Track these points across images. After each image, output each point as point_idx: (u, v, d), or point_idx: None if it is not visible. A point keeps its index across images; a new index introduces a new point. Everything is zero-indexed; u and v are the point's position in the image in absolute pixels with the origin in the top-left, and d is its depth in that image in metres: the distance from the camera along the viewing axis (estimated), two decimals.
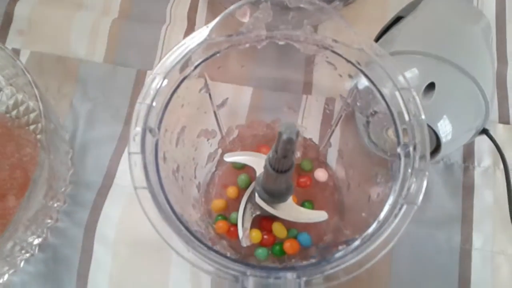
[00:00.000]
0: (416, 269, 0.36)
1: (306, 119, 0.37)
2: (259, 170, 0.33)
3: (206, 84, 0.28)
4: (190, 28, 0.44)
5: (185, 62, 0.25)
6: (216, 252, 0.21)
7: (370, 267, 0.35)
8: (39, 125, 0.39)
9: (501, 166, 0.36)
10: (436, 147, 0.32)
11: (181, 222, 0.22)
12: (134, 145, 0.23)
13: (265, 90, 0.39)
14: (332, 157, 0.37)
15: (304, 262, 0.22)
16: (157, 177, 0.23)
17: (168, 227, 0.21)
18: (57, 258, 0.37)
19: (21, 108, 0.40)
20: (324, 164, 0.37)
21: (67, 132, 0.40)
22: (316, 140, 0.37)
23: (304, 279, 0.21)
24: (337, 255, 0.22)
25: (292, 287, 0.20)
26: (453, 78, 0.32)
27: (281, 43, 0.26)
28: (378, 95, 0.24)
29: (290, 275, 0.21)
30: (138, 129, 0.23)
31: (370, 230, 0.22)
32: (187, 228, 0.22)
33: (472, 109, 0.33)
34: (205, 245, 0.22)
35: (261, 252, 0.34)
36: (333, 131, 0.34)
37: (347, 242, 0.23)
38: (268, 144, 0.36)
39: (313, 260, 0.22)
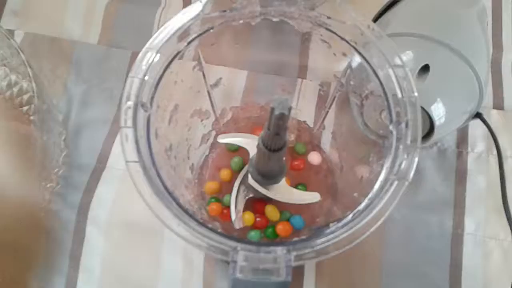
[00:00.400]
0: (408, 253, 0.36)
1: (301, 102, 0.37)
2: (253, 152, 0.32)
3: (199, 62, 0.28)
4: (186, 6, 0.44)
5: (178, 37, 0.25)
6: (206, 227, 0.21)
7: (362, 252, 0.35)
8: (33, 106, 0.38)
9: (495, 151, 0.36)
10: (430, 130, 0.32)
11: (172, 196, 0.22)
12: (126, 119, 0.23)
13: (260, 73, 0.39)
14: (326, 140, 0.37)
15: (295, 238, 0.22)
16: (148, 152, 0.23)
17: (159, 201, 0.21)
18: (49, 240, 0.37)
19: (15, 89, 0.39)
20: (318, 147, 0.37)
21: (60, 113, 0.40)
22: (310, 123, 0.37)
23: (294, 253, 0.20)
24: (328, 230, 0.22)
25: (282, 261, 0.20)
26: (447, 60, 0.32)
27: (275, 19, 0.26)
28: (371, 73, 0.24)
29: (280, 250, 0.21)
30: (130, 103, 0.23)
31: (361, 206, 0.22)
32: (177, 203, 0.22)
33: (466, 92, 0.33)
34: (196, 220, 0.22)
35: (253, 234, 0.34)
36: (327, 113, 0.34)
37: (339, 220, 0.23)
38: (262, 126, 0.35)
39: (303, 237, 0.22)
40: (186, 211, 0.22)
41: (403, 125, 0.23)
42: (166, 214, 0.21)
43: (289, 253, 0.21)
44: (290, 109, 0.21)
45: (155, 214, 0.21)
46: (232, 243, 0.21)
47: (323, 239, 0.21)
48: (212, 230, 0.22)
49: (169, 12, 0.43)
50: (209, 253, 0.20)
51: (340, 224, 0.22)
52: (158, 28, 0.42)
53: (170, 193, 0.22)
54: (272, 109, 0.21)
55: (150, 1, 0.44)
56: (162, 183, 0.22)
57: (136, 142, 0.22)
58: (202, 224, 0.22)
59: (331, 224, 0.23)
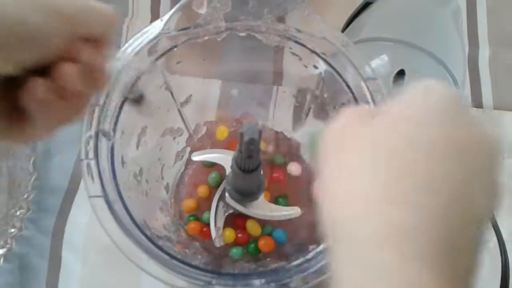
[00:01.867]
0: None
1: (277, 112, 0.36)
2: (228, 167, 0.31)
3: (166, 81, 0.27)
4: (154, 21, 0.42)
5: (139, 58, 0.23)
6: (179, 260, 0.20)
7: None
8: None
9: None
10: None
11: (141, 231, 0.21)
12: (87, 151, 0.21)
13: (233, 82, 0.37)
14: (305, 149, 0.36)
15: (273, 266, 0.21)
16: (113, 183, 0.22)
17: (127, 238, 0.20)
18: (24, 268, 0.35)
19: None
20: (297, 157, 0.36)
21: None
22: (288, 133, 0.36)
23: (272, 284, 0.19)
24: (308, 256, 0.21)
25: None
26: (423, 63, 0.31)
27: (242, 34, 0.25)
28: (344, 86, 0.23)
29: (258, 282, 0.20)
30: (90, 133, 0.22)
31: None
32: (148, 238, 0.21)
33: None
34: (168, 254, 0.20)
35: (235, 251, 0.32)
36: (304, 123, 0.33)
37: (318, 243, 0.22)
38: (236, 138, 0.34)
39: (283, 263, 0.21)
40: (156, 245, 0.21)
41: None
42: (134, 252, 0.20)
43: (267, 284, 0.20)
44: (260, 133, 0.20)
45: (123, 253, 0.20)
46: (207, 278, 0.20)
47: (304, 266, 0.20)
48: (185, 262, 0.20)
49: (136, 23, 0.42)
50: None
51: (319, 249, 0.21)
52: (126, 40, 0.41)
53: (139, 227, 0.21)
54: (242, 134, 0.20)
55: (117, 11, 0.42)
56: (130, 217, 0.21)
57: (99, 175, 0.21)
58: (175, 257, 0.21)
59: (310, 247, 0.22)
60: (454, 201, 0.13)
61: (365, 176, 0.14)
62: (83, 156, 0.21)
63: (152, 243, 0.21)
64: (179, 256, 0.21)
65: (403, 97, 0.16)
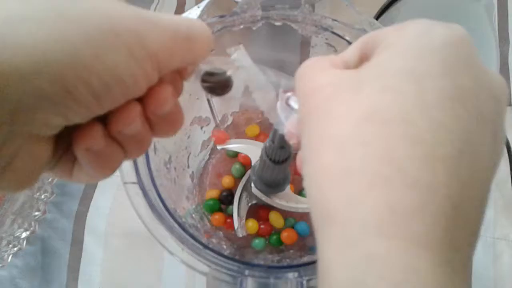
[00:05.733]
0: None
1: None
2: (254, 158, 0.31)
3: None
4: (180, 7, 0.42)
5: None
6: (212, 250, 0.20)
7: None
8: None
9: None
10: None
11: (174, 219, 0.21)
12: None
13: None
14: None
15: (305, 259, 0.21)
16: (147, 170, 0.22)
17: (161, 225, 0.20)
18: (46, 251, 0.36)
19: None
20: None
21: None
22: None
23: (306, 278, 0.19)
24: None
25: (294, 287, 0.19)
26: None
27: (277, 23, 0.24)
28: None
29: (291, 275, 0.19)
30: None
31: None
32: (181, 225, 0.20)
33: None
34: (200, 243, 0.20)
35: (258, 242, 0.32)
36: None
37: None
38: (264, 131, 0.34)
39: (312, 255, 0.21)
40: (189, 233, 0.21)
41: None
42: (168, 240, 0.20)
43: (300, 278, 0.19)
44: None
45: (158, 241, 0.20)
46: (240, 268, 0.20)
47: None
48: (218, 252, 0.20)
49: (162, 10, 0.41)
50: (215, 279, 0.19)
51: None
52: None
53: (172, 215, 0.21)
54: (275, 130, 0.20)
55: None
56: (163, 204, 0.21)
57: (134, 161, 0.21)
58: (207, 246, 0.21)
59: None
60: (460, 161, 0.12)
61: (358, 149, 0.12)
62: None
63: (184, 231, 0.21)
64: (210, 245, 0.21)
65: (395, 42, 0.13)
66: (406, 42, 0.13)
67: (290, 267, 0.20)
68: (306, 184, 0.14)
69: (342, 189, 0.12)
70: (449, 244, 0.12)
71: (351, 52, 0.16)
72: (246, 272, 0.19)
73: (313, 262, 0.20)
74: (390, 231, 0.12)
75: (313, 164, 0.13)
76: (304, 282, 0.19)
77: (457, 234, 0.12)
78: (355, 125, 0.13)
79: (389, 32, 0.14)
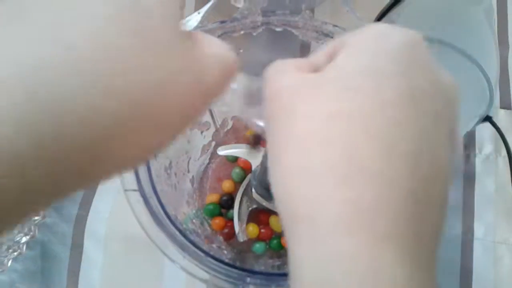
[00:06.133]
0: None
1: None
2: (254, 163, 0.31)
3: None
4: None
5: None
6: (213, 257, 0.20)
7: None
8: None
9: (503, 153, 0.35)
10: None
11: (175, 226, 0.21)
12: None
13: (259, 77, 0.37)
14: None
15: None
16: (148, 176, 0.22)
17: (162, 233, 0.20)
18: (46, 255, 0.35)
19: None
20: None
21: None
22: None
23: None
24: None
25: None
26: (456, 63, 0.30)
27: (278, 29, 0.24)
28: None
29: None
30: None
31: None
32: (182, 232, 0.20)
33: (476, 95, 0.31)
34: (202, 250, 0.20)
35: (258, 246, 0.32)
36: None
37: None
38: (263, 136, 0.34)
39: None
40: (190, 240, 0.21)
41: None
42: (169, 247, 0.20)
43: None
44: None
45: (159, 248, 0.20)
46: (241, 275, 0.20)
47: None
48: (220, 260, 0.20)
49: None
50: (215, 287, 0.19)
51: None
52: None
53: (173, 222, 0.21)
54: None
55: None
56: (164, 212, 0.21)
57: (135, 168, 0.21)
58: (208, 254, 0.21)
59: None
60: (419, 157, 0.12)
61: (322, 148, 0.13)
62: None
63: (185, 238, 0.21)
64: (211, 253, 0.21)
65: (354, 43, 0.14)
66: (365, 43, 0.14)
67: None
68: (273, 184, 0.14)
69: (308, 188, 0.13)
70: (413, 238, 0.12)
71: (319, 56, 0.16)
72: (248, 279, 0.19)
73: None
74: (356, 227, 0.12)
75: (279, 164, 0.13)
76: None
77: (420, 228, 0.12)
78: (318, 124, 0.13)
79: (352, 35, 0.15)
